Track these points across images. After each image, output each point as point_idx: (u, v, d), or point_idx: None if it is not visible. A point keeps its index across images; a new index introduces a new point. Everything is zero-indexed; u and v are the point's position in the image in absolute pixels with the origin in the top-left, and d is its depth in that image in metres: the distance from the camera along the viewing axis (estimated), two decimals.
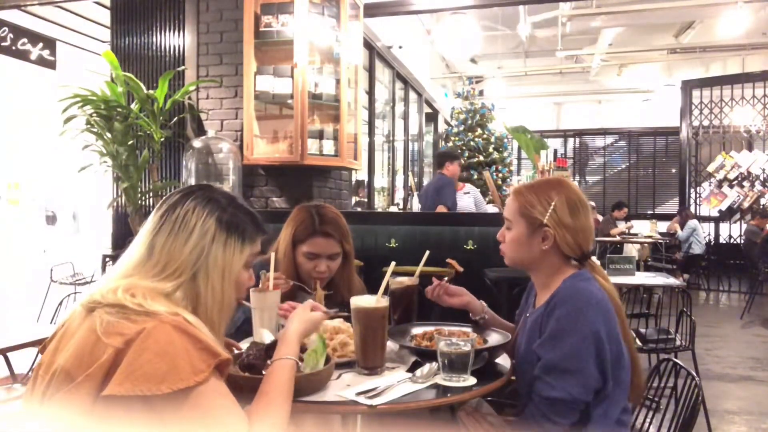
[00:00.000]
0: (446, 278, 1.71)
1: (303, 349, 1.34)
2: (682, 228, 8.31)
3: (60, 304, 3.25)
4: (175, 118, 4.40)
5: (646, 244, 8.36)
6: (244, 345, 1.44)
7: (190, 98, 4.42)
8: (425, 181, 9.91)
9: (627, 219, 8.98)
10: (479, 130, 8.21)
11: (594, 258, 1.56)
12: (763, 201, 8.61)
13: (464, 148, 8.06)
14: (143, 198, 4.44)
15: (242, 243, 1.19)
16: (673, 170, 11.43)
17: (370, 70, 6.79)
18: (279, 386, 1.15)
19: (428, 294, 1.71)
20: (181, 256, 1.12)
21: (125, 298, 1.04)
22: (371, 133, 7.06)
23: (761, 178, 8.71)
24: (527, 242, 1.50)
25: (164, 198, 1.21)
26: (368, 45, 6.39)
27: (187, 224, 1.14)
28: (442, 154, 5.71)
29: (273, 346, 1.32)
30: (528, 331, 1.50)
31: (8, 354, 1.62)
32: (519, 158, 11.84)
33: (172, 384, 0.96)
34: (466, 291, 1.72)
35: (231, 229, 1.18)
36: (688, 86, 9.27)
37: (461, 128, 8.28)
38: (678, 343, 3.40)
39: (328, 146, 4.11)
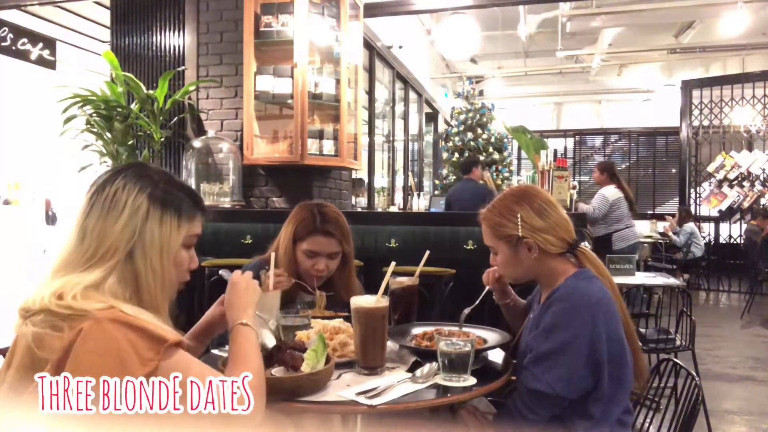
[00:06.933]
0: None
1: (303, 349, 1.34)
2: (680, 226, 8.28)
3: None
4: (175, 118, 4.39)
5: (646, 244, 8.35)
6: None
7: (190, 98, 4.42)
8: (425, 181, 9.90)
9: None
10: (479, 130, 8.19)
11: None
12: (763, 201, 8.60)
13: (464, 148, 8.05)
14: None
15: (179, 220, 1.14)
16: (673, 170, 11.42)
17: (370, 70, 6.79)
18: (243, 348, 1.15)
19: (485, 278, 1.70)
20: (112, 236, 1.07)
21: (51, 303, 0.99)
22: (371, 133, 7.06)
23: (761, 178, 8.70)
24: (517, 259, 1.52)
25: (93, 179, 1.15)
26: (368, 45, 6.39)
27: (117, 203, 1.09)
28: (472, 161, 5.99)
29: (276, 350, 1.32)
30: (529, 328, 1.53)
31: None
32: (519, 158, 11.82)
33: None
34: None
35: (165, 206, 1.12)
36: (688, 86, 9.26)
37: (461, 128, 8.26)
38: (678, 343, 3.39)
39: (328, 146, 4.11)
